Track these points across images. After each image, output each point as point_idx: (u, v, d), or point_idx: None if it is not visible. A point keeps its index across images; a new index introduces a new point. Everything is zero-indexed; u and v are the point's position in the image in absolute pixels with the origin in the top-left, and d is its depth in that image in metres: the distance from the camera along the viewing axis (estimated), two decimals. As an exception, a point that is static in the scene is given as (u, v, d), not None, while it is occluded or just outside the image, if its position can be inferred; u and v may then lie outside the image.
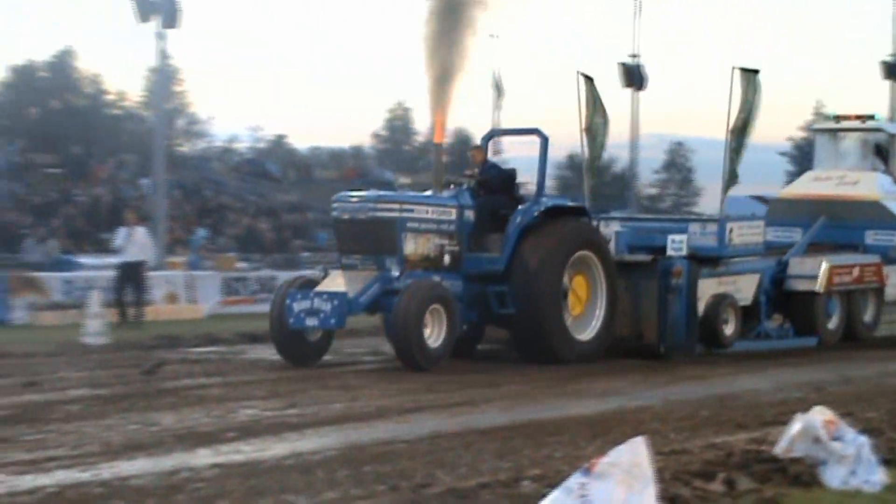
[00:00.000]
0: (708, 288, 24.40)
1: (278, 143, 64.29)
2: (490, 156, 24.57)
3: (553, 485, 8.03)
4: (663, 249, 23.92)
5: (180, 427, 14.54)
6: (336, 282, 20.95)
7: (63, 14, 78.86)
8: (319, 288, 20.82)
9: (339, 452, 12.99)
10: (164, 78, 44.75)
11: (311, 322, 20.59)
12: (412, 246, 21.36)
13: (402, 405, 16.83)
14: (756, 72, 25.32)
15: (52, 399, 16.79)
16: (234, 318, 30.74)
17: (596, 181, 26.80)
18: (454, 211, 22.07)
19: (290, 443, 13.69)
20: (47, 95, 60.07)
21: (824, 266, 26.86)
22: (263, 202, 57.19)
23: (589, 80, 25.73)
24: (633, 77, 54.02)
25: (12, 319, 29.75)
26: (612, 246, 23.94)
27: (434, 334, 20.49)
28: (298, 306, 20.59)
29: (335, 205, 21.65)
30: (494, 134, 23.89)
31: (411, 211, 21.47)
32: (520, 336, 22.24)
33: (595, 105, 25.66)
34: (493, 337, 23.31)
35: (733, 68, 25.04)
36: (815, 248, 28.12)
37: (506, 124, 50.32)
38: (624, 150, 59.80)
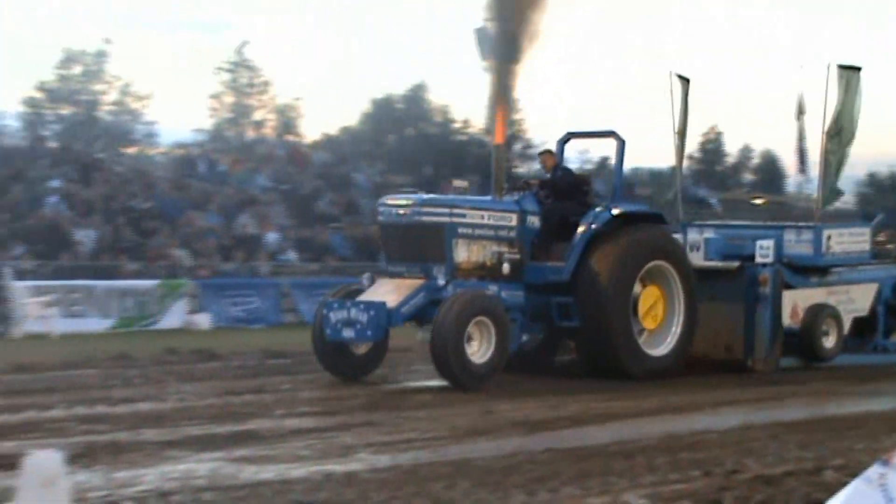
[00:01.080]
0: (812, 298, 20.55)
1: (602, 164, 64.12)
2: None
3: (854, 474, 7.81)
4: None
5: (518, 415, 14.66)
6: (380, 291, 17.64)
7: (417, 53, 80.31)
8: (362, 297, 17.57)
9: (657, 440, 12.89)
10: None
11: (348, 334, 17.15)
12: (464, 253, 17.89)
13: (713, 399, 16.65)
14: (857, 69, 21.08)
15: (408, 389, 17.15)
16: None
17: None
18: (515, 217, 18.46)
19: (614, 431, 13.67)
20: (403, 124, 61.29)
21: None
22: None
23: (685, 81, 21.54)
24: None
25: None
26: (701, 253, 20.49)
27: (481, 349, 16.95)
28: (335, 316, 17.23)
29: (381, 208, 18.29)
30: (571, 136, 20.32)
31: (463, 216, 17.93)
32: (585, 350, 18.85)
33: (685, 108, 21.42)
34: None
35: (829, 64, 20.62)
36: None
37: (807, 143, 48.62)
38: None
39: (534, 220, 18.68)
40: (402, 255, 17.99)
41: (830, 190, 21.31)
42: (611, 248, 18.32)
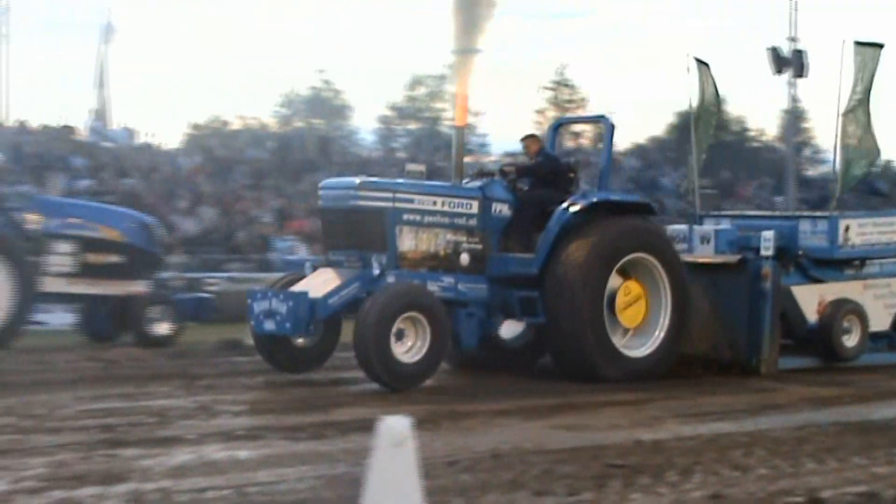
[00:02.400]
0: (843, 292, 16.77)
1: (888, 165, 61.79)
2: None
3: None
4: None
5: (806, 392, 14.27)
6: (313, 281, 14.37)
7: (719, 69, 79.47)
8: (295, 287, 14.36)
9: (938, 417, 12.45)
10: (793, 117, 44.14)
11: (269, 326, 14.03)
12: (411, 241, 14.56)
13: None
14: (880, 46, 17.20)
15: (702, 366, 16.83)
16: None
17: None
18: (476, 203, 14.99)
19: (896, 408, 13.27)
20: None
21: None
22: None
23: (704, 65, 18.22)
24: None
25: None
26: (711, 245, 16.49)
27: (414, 348, 13.71)
28: (258, 307, 14.13)
29: (321, 192, 15.14)
30: (562, 122, 16.86)
31: (410, 201, 14.61)
32: (554, 348, 15.15)
33: (705, 92, 18.19)
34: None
35: (844, 41, 16.94)
36: None
37: None
38: None
39: (501, 208, 15.21)
40: (341, 243, 14.81)
41: (848, 176, 17.47)
42: (586, 239, 14.77)
